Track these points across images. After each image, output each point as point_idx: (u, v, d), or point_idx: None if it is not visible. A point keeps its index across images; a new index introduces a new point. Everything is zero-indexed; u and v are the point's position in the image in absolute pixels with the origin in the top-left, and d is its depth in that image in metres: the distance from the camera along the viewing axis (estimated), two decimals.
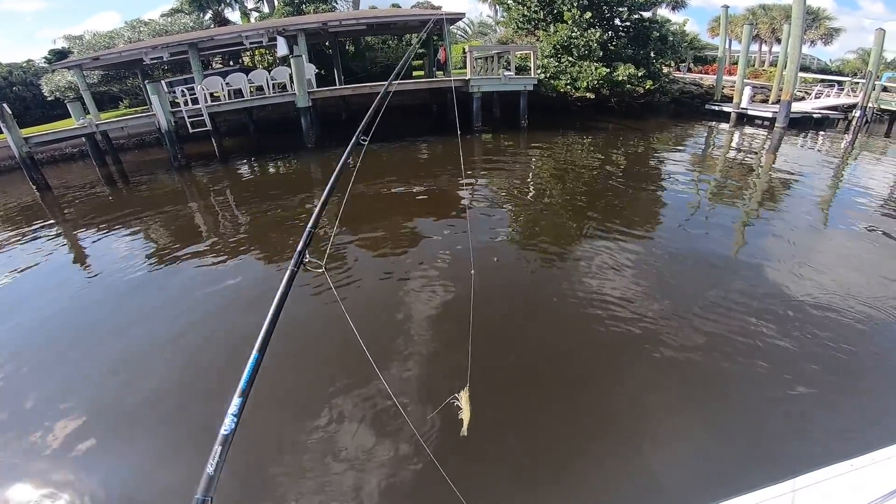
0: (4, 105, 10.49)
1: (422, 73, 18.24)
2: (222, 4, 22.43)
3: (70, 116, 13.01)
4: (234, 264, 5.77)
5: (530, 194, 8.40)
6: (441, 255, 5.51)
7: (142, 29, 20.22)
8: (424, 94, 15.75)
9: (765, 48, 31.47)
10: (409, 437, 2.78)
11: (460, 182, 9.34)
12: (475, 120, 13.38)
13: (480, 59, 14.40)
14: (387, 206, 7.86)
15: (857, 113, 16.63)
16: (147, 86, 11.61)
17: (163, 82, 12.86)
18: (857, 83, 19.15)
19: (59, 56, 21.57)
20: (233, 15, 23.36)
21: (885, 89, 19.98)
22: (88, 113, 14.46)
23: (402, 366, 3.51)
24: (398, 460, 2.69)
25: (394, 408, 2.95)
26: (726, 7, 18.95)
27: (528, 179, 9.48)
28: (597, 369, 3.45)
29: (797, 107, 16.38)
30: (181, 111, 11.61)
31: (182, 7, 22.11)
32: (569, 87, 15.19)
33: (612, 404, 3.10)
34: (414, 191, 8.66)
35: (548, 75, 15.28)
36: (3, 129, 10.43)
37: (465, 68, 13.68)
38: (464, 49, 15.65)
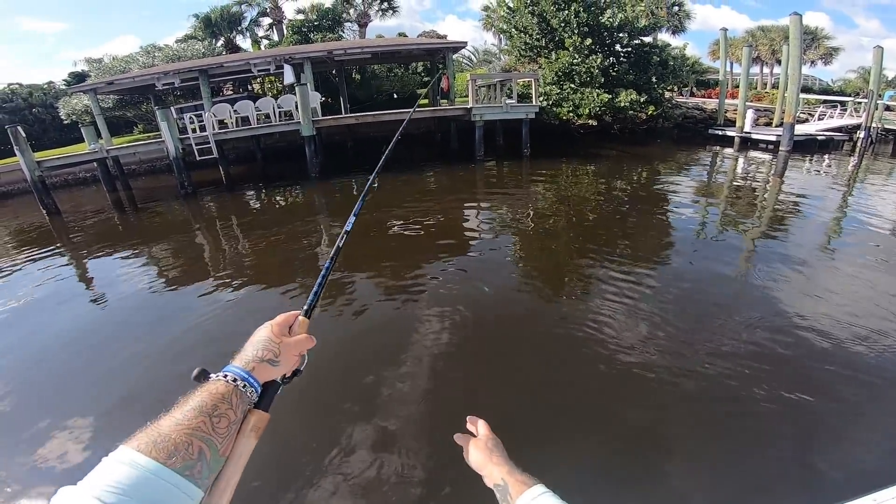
0: (19, 127, 10.81)
1: (426, 101, 18.58)
2: (234, 32, 23.18)
3: (84, 140, 13.41)
4: (236, 291, 5.84)
5: (532, 224, 8.43)
6: (442, 287, 5.52)
7: (156, 54, 20.92)
8: (428, 123, 16.00)
9: (766, 70, 31.71)
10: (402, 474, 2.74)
11: (463, 212, 9.42)
12: (478, 149, 13.53)
13: (483, 87, 14.66)
14: (388, 236, 7.92)
15: (861, 134, 16.65)
16: (157, 112, 11.95)
17: (172, 109, 13.23)
18: (860, 103, 19.13)
19: (77, 79, 22.35)
20: (244, 42, 24.15)
21: (888, 108, 20.00)
22: (101, 138, 14.87)
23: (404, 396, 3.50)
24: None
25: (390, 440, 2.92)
26: (725, 30, 19.18)
27: (531, 209, 9.52)
28: (601, 404, 3.40)
29: (801, 129, 16.39)
30: (189, 138, 11.90)
31: (196, 33, 22.92)
32: (571, 113, 15.37)
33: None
34: (415, 220, 8.73)
35: (550, 102, 15.49)
36: (17, 153, 10.72)
37: (469, 97, 13.92)
38: (468, 77, 15.95)
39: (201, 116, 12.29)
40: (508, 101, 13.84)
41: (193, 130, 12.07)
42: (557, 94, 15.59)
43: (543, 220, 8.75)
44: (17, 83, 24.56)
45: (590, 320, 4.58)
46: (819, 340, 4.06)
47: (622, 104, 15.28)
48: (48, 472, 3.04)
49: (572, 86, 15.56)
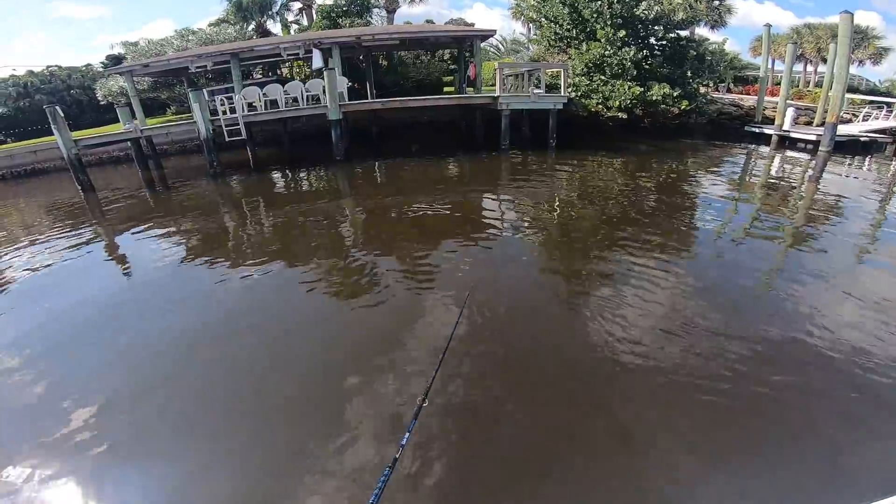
0: (57, 108, 11.20)
1: (452, 88, 18.43)
2: (265, 16, 23.40)
3: (119, 120, 13.81)
4: (258, 268, 5.96)
5: (554, 214, 8.28)
6: (459, 272, 5.52)
7: (190, 38, 21.33)
8: (454, 111, 15.88)
9: (809, 68, 30.23)
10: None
11: (485, 200, 9.33)
12: (503, 138, 13.36)
13: (511, 76, 14.41)
14: (411, 222, 7.92)
15: None
16: (189, 93, 12.18)
17: (204, 91, 13.47)
18: None
19: (114, 61, 22.99)
20: (274, 27, 24.34)
21: None
22: (135, 118, 15.29)
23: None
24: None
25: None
26: (769, 25, 18.34)
27: (554, 199, 9.35)
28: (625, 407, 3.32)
29: (843, 129, 15.61)
30: (220, 119, 12.11)
31: (228, 17, 23.24)
32: (600, 105, 14.97)
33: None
34: (438, 206, 8.71)
35: (579, 94, 15.12)
36: (55, 131, 11.12)
37: (496, 85, 13.73)
38: (495, 66, 15.71)
39: (232, 99, 12.48)
40: (536, 90, 13.58)
41: (224, 112, 12.27)
42: (587, 85, 15.19)
43: (565, 212, 8.59)
44: (57, 65, 25.44)
45: (605, 313, 4.48)
46: (838, 355, 3.84)
47: (654, 98, 14.79)
48: (74, 447, 3.11)
49: (602, 77, 15.13)
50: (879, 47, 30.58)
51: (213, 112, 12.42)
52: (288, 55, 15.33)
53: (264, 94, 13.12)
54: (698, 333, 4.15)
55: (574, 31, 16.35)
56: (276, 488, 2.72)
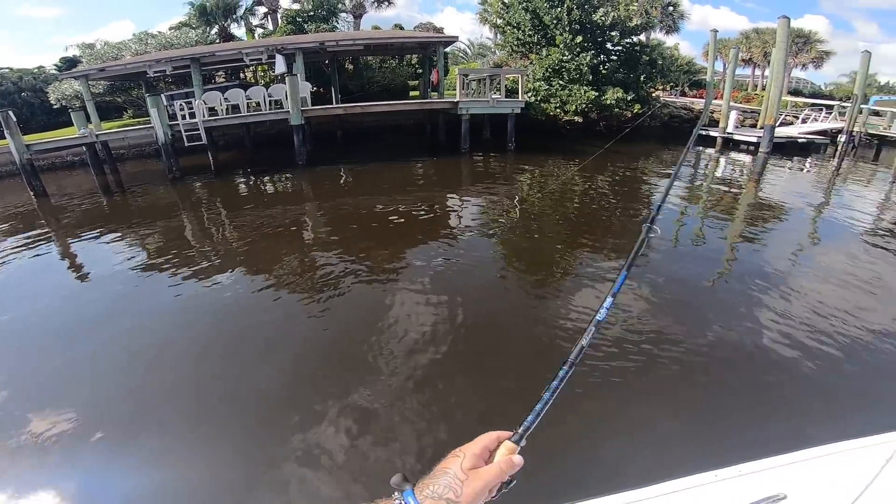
0: (9, 112, 10.89)
1: (417, 93, 18.74)
2: (229, 20, 23.14)
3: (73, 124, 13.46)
4: (219, 274, 6.02)
5: (512, 214, 8.70)
6: (422, 272, 5.76)
7: (149, 41, 20.87)
8: (418, 115, 16.19)
9: (758, 72, 32.02)
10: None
11: (446, 201, 9.67)
12: (463, 141, 13.76)
13: (475, 81, 14.85)
14: (373, 224, 8.16)
15: (843, 137, 16.97)
16: (147, 98, 12.05)
17: (162, 95, 13.32)
18: (846, 107, 19.37)
19: (69, 64, 22.25)
20: (238, 31, 24.09)
21: (876, 113, 20.29)
22: (90, 122, 14.92)
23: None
24: None
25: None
26: (715, 31, 19.41)
27: (512, 200, 9.79)
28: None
29: (783, 131, 16.69)
30: (179, 124, 12.02)
31: (190, 21, 22.85)
32: (558, 110, 15.59)
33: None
34: (400, 208, 8.97)
35: (538, 98, 15.70)
36: (7, 136, 10.80)
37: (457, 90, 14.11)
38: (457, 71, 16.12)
39: (191, 104, 12.40)
40: (495, 95, 14.04)
41: (183, 117, 12.18)
42: (546, 90, 15.80)
43: (523, 212, 9.02)
44: (7, 68, 24.38)
45: (565, 309, 4.84)
46: (787, 340, 4.34)
47: (608, 102, 15.52)
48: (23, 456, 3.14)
49: (561, 82, 15.76)
50: (821, 51, 32.61)
51: (173, 116, 12.31)
52: (250, 60, 15.31)
53: (226, 98, 13.08)
54: (647, 320, 4.55)
55: (535, 37, 16.95)
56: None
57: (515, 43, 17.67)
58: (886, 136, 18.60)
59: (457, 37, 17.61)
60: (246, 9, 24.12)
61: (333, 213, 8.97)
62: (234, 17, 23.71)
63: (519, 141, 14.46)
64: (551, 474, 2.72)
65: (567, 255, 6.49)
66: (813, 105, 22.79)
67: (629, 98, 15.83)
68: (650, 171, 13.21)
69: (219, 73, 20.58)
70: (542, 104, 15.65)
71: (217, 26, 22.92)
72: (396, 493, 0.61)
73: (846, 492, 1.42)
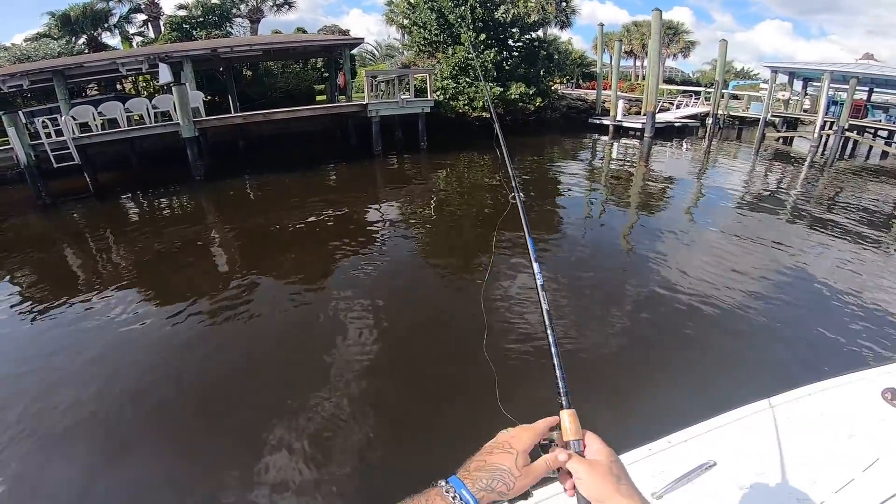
0: None
1: (324, 97, 18.24)
2: (99, 29, 20.73)
3: None
4: (115, 304, 5.38)
5: (433, 214, 8.82)
6: (346, 288, 5.57)
7: (0, 55, 18.06)
8: (326, 120, 15.75)
9: (639, 63, 35.54)
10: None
11: (363, 205, 9.53)
12: (375, 144, 13.65)
13: (383, 82, 14.79)
14: (285, 237, 7.79)
15: (710, 120, 19.49)
16: (2, 117, 10.39)
17: (21, 112, 11.55)
18: (710, 93, 22.21)
19: None
20: (112, 40, 21.68)
21: (735, 97, 23.52)
22: None
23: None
24: None
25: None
26: (601, 25, 21.39)
27: (429, 198, 9.90)
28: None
29: (662, 117, 18.76)
30: (44, 143, 10.52)
31: (50, 32, 20.10)
32: (467, 107, 16.08)
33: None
34: (316, 216, 8.69)
35: (447, 96, 16.06)
36: None
37: (365, 92, 13.95)
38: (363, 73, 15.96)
39: (57, 120, 10.90)
40: (404, 96, 14.12)
41: (48, 135, 10.66)
42: (454, 88, 16.21)
43: (438, 208, 9.18)
44: None
45: (496, 295, 5.00)
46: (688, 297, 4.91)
47: (513, 97, 16.33)
48: None
49: (467, 80, 16.27)
50: (688, 41, 36.98)
51: (35, 135, 10.73)
52: (128, 70, 13.85)
53: (100, 112, 11.69)
54: (577, 290, 4.95)
55: (441, 36, 17.30)
56: None
57: (422, 42, 17.90)
58: (745, 118, 21.71)
59: (363, 38, 17.46)
60: (121, 16, 21.80)
61: (240, 230, 8.39)
62: (106, 25, 21.32)
63: (431, 139, 14.67)
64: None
65: (484, 241, 6.73)
66: (684, 92, 25.88)
67: (531, 92, 16.79)
68: (553, 160, 14.12)
69: (90, 86, 18.29)
70: (451, 102, 16.04)
71: (85, 36, 20.44)
72: (443, 482, 0.60)
73: (766, 453, 1.49)
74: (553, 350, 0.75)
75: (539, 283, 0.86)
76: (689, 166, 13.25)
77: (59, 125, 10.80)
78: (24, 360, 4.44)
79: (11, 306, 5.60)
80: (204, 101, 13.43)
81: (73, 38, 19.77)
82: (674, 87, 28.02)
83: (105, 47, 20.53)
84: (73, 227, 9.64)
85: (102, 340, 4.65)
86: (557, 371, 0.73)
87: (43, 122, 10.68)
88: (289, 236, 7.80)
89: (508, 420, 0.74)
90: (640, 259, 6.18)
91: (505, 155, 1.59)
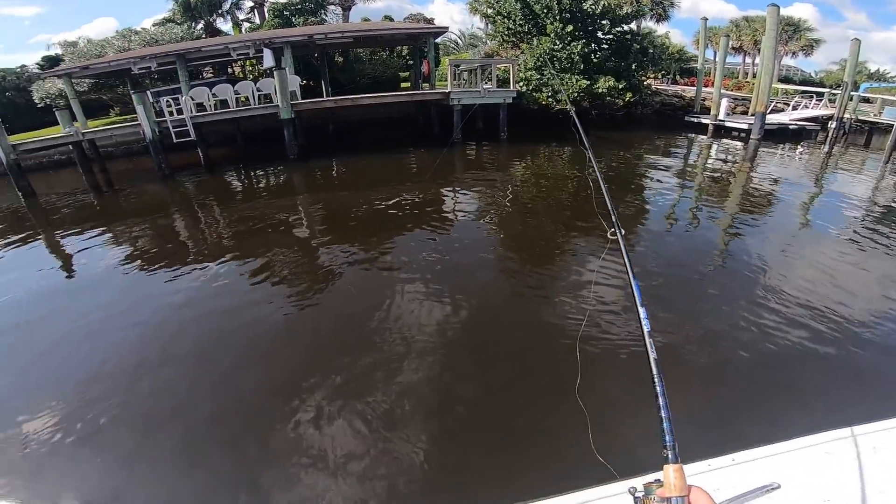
0: None
1: (408, 84, 18.59)
2: (214, 15, 22.76)
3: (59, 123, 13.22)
4: (214, 269, 5.96)
5: (510, 205, 8.69)
6: (420, 270, 5.66)
7: (133, 38, 20.49)
8: (409, 106, 16.06)
9: (748, 60, 32.05)
10: None
11: (440, 191, 9.63)
12: (455, 132, 13.67)
13: (465, 71, 14.74)
14: (366, 215, 8.12)
15: (833, 124, 17.06)
16: (133, 95, 11.85)
17: (148, 92, 13.11)
18: (836, 94, 19.48)
19: (51, 62, 21.79)
20: (225, 25, 23.71)
21: (866, 100, 20.41)
22: (76, 121, 14.66)
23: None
24: None
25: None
26: (705, 19, 19.51)
27: (507, 191, 9.76)
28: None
29: (774, 118, 16.75)
30: (167, 120, 11.84)
31: (174, 17, 22.44)
32: (550, 99, 15.53)
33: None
34: (394, 201, 8.93)
35: (530, 88, 15.63)
36: None
37: (448, 81, 14.00)
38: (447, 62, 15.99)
39: (178, 100, 12.22)
40: (486, 86, 13.96)
41: (171, 113, 12.00)
42: (538, 79, 15.73)
43: (516, 200, 9.00)
44: None
45: (568, 294, 4.84)
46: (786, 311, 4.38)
47: (600, 90, 15.48)
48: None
49: (552, 71, 15.70)
50: (811, 39, 32.62)
51: (160, 113, 12.13)
52: (238, 55, 15.09)
53: (213, 94, 12.90)
54: (652, 306, 4.54)
55: (526, 27, 16.84)
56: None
57: (506, 33, 17.56)
58: (877, 123, 18.74)
59: (447, 27, 17.48)
60: (232, 3, 23.74)
61: (327, 206, 8.90)
62: (220, 11, 23.33)
63: (511, 130, 14.41)
64: (551, 465, 2.72)
65: (562, 243, 6.48)
66: (803, 92, 22.88)
67: (621, 86, 15.79)
68: (642, 157, 13.22)
69: (206, 69, 20.25)
70: (534, 93, 15.58)
71: (202, 21, 22.55)
72: None
73: (838, 481, 1.41)
74: (661, 402, 0.72)
75: (646, 329, 0.77)
76: (802, 172, 11.72)
77: (179, 104, 12.08)
78: (147, 299, 5.08)
79: (131, 263, 6.44)
80: (300, 85, 14.28)
81: (193, 24, 21.91)
82: (790, 87, 24.88)
83: (219, 32, 22.55)
84: (186, 197, 10.82)
85: (196, 292, 5.29)
86: (665, 423, 0.69)
87: (167, 101, 12.01)
88: (368, 216, 8.12)
89: (601, 464, 0.65)
90: (735, 265, 5.58)
91: (600, 182, 1.41)
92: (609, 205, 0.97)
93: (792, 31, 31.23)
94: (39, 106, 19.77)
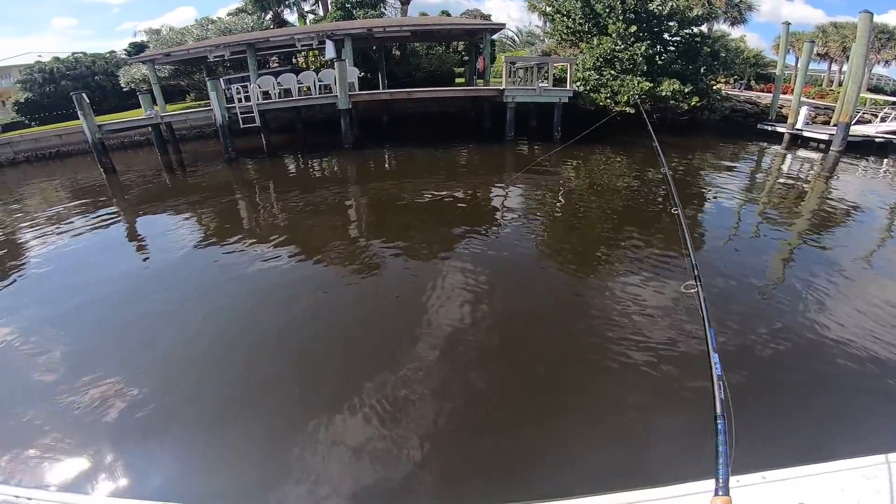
0: (83, 94, 11.77)
1: (463, 80, 18.60)
2: (282, 6, 23.79)
3: (141, 106, 14.40)
4: (271, 249, 6.32)
5: (553, 204, 8.54)
6: (466, 265, 5.69)
7: (209, 27, 21.85)
8: (463, 101, 16.08)
9: (835, 67, 29.43)
10: None
11: (489, 188, 9.60)
12: (508, 129, 13.56)
13: (521, 69, 14.54)
14: (416, 207, 8.27)
15: None
16: (207, 82, 12.67)
17: (221, 80, 13.93)
18: None
19: (137, 49, 23.70)
20: (291, 16, 24.74)
21: None
22: (156, 104, 15.88)
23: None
24: None
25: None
26: (787, 24, 18.06)
27: (555, 190, 9.58)
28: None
29: (859, 130, 15.30)
30: (235, 107, 12.57)
31: (246, 7, 23.71)
32: (608, 100, 15.00)
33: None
34: (445, 193, 9.00)
35: (588, 88, 15.16)
36: (80, 116, 11.70)
37: (503, 78, 13.87)
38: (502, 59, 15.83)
39: (247, 87, 12.91)
40: (542, 84, 13.69)
41: (239, 100, 12.72)
42: (596, 79, 15.23)
43: (567, 203, 8.81)
44: (82, 52, 26.28)
45: (610, 304, 4.67)
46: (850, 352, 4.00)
47: (664, 93, 14.77)
48: (87, 424, 3.24)
49: (612, 72, 15.14)
50: None
51: (230, 100, 12.88)
52: (302, 46, 15.70)
53: (278, 82, 13.52)
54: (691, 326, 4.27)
55: (586, 26, 16.35)
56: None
57: (565, 31, 17.11)
58: None
59: (504, 24, 17.28)
60: None
61: (378, 196, 9.13)
62: (287, 2, 24.35)
63: (565, 131, 14.06)
64: (595, 466, 2.67)
65: (612, 253, 6.25)
66: (894, 103, 20.77)
67: (687, 90, 14.97)
68: (706, 166, 12.49)
69: (272, 58, 21.25)
70: (592, 94, 15.10)
71: (271, 12, 23.63)
72: None
73: None
74: (720, 438, 0.75)
75: (717, 373, 0.75)
76: (887, 188, 10.63)
77: (247, 92, 12.77)
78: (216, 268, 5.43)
79: (193, 238, 6.90)
80: (358, 77, 14.67)
81: (262, 14, 23.04)
82: (880, 98, 22.63)
83: (286, 23, 23.58)
84: (248, 179, 11.45)
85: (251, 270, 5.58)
86: (721, 458, 0.72)
87: (237, 88, 12.72)
88: (416, 207, 8.25)
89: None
90: (795, 290, 5.09)
91: (681, 218, 1.34)
92: (690, 249, 0.94)
93: (886, 38, 28.44)
94: (125, 90, 21.55)
